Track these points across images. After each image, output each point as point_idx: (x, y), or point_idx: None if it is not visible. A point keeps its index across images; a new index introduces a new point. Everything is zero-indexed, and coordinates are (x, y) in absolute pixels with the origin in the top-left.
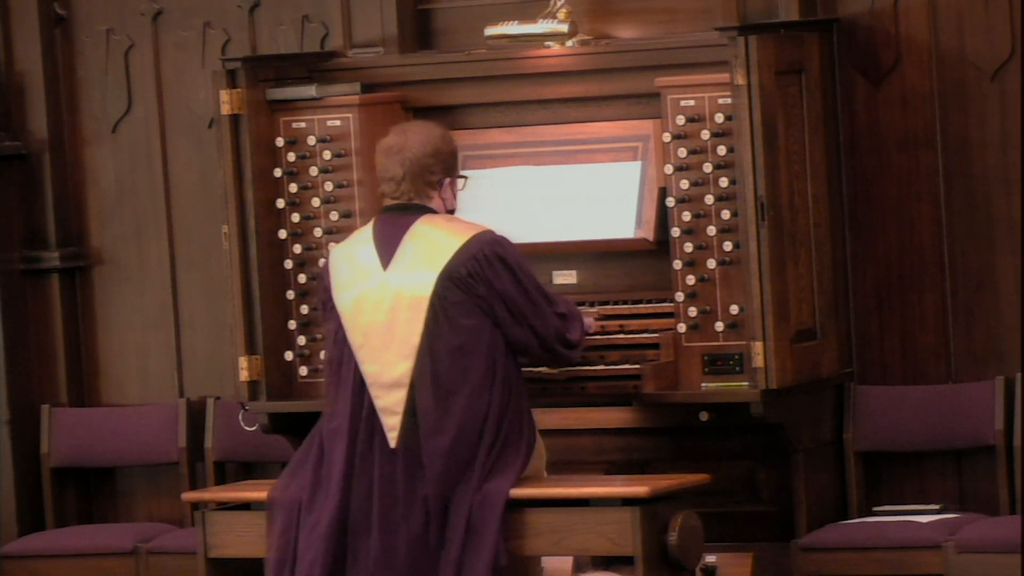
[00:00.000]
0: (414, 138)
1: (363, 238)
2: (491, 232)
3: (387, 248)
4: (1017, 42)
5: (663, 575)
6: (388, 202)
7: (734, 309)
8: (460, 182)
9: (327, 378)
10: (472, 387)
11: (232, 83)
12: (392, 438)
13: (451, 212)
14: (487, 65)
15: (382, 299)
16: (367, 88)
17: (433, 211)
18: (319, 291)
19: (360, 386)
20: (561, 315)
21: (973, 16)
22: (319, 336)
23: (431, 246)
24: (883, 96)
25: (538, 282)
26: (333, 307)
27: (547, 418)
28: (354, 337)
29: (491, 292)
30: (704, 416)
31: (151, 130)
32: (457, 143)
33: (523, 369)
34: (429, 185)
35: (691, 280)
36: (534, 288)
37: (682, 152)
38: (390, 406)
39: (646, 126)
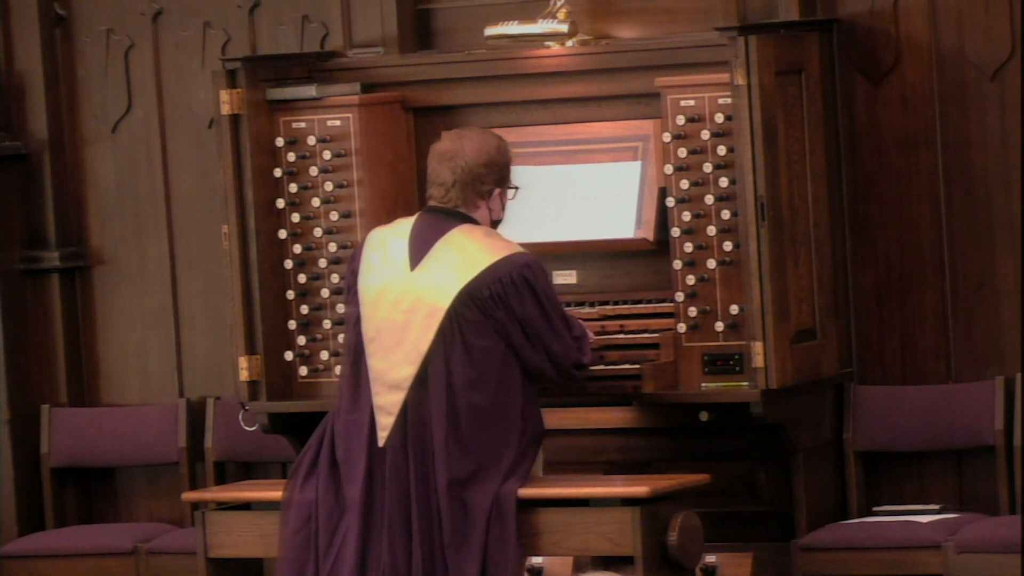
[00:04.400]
0: (469, 146)
1: (401, 230)
2: (525, 255)
3: (420, 248)
4: (1017, 42)
5: (663, 575)
6: (434, 204)
7: (734, 309)
8: (510, 192)
9: (345, 364)
10: (485, 398)
11: (232, 83)
12: (382, 437)
13: (497, 222)
14: (487, 65)
15: (402, 299)
16: (367, 88)
17: (475, 221)
18: (347, 272)
19: None
20: (576, 338)
21: (973, 16)
22: (319, 336)
23: (462, 258)
24: (883, 96)
25: (562, 308)
26: (356, 292)
27: (547, 418)
28: (368, 329)
29: (510, 316)
30: (704, 416)
31: (151, 130)
32: (511, 154)
33: None
34: (478, 194)
35: (691, 280)
36: (557, 315)
37: (682, 152)
38: (387, 406)
39: (646, 126)
